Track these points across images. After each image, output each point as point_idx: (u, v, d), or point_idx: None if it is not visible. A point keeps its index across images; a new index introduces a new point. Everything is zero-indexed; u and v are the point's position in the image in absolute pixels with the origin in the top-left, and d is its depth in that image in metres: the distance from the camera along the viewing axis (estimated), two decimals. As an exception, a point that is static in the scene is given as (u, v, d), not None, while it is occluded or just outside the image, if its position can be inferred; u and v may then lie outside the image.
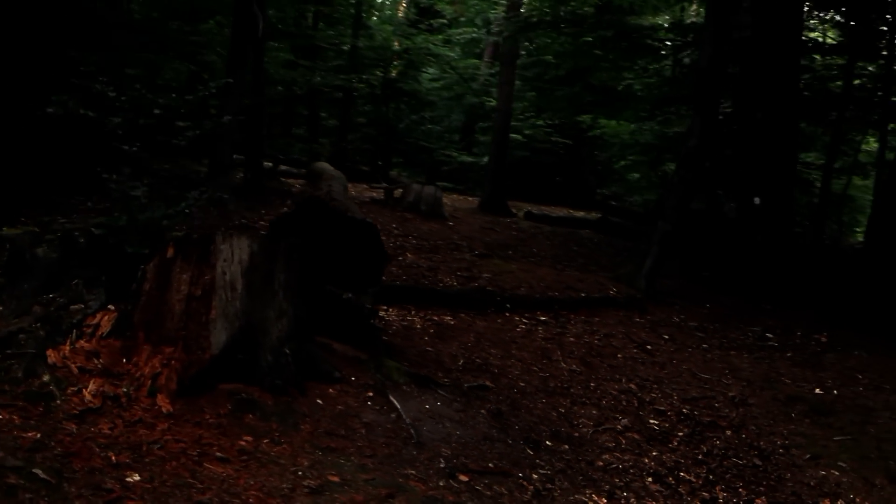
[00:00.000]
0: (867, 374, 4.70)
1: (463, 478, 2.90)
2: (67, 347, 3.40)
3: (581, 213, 11.57)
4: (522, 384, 4.10)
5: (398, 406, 3.41)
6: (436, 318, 5.00)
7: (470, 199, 11.98)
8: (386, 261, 4.75)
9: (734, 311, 6.23)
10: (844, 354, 5.14)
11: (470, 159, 13.07)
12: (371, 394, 3.50)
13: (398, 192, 9.85)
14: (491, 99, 12.90)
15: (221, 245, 3.36)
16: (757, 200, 6.86)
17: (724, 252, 7.10)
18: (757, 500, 3.20)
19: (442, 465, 2.95)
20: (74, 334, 3.48)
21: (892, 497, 3.29)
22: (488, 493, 2.84)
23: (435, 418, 3.41)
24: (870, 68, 9.07)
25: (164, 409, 3.08)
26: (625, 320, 5.56)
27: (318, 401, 3.36)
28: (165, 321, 3.46)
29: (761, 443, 3.73)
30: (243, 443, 2.87)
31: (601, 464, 3.34)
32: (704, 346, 5.28)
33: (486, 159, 11.82)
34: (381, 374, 3.80)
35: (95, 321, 3.57)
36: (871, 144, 10.92)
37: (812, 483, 3.40)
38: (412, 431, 3.19)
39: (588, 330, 5.20)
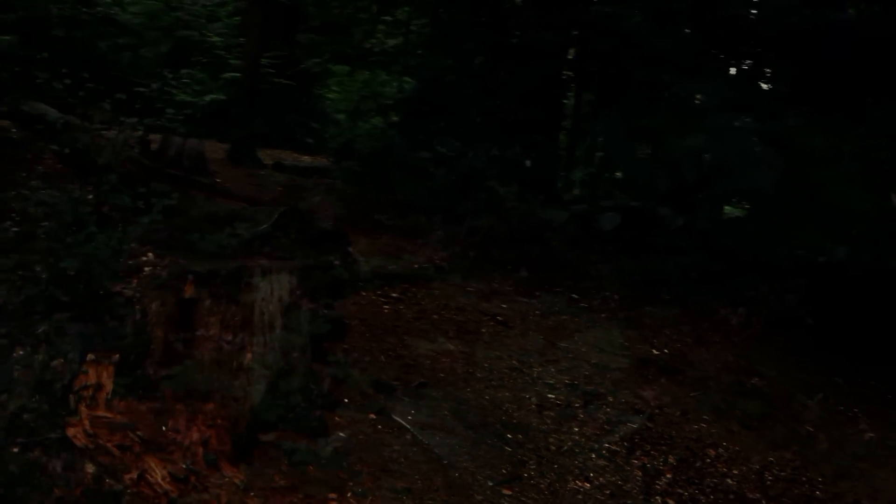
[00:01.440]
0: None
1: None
2: (86, 421, 3.21)
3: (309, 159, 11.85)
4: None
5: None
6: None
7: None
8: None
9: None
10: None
11: (189, 98, 12.47)
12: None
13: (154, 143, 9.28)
14: (212, 35, 12.39)
15: (260, 282, 3.35)
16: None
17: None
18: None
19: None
20: (75, 400, 3.27)
21: (749, 440, 4.47)
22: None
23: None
24: None
25: (236, 481, 3.14)
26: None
27: (341, 433, 3.64)
28: (192, 372, 3.40)
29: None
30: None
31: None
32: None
33: (208, 98, 11.46)
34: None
35: (91, 380, 3.37)
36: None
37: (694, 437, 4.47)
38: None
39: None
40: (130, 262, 7.19)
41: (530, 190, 7.43)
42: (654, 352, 5.24)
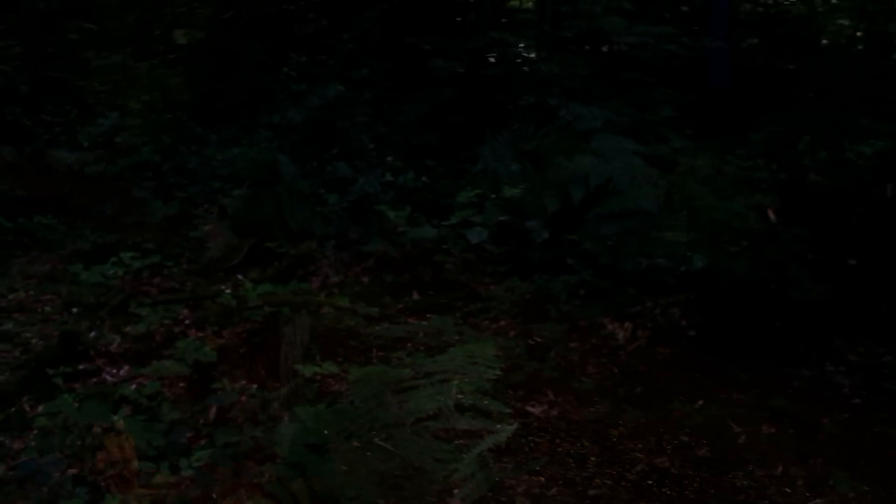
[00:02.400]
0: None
1: None
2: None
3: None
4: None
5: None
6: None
7: None
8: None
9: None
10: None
11: None
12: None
13: None
14: None
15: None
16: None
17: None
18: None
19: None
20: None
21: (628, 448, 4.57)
22: None
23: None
24: None
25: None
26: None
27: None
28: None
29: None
30: None
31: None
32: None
33: None
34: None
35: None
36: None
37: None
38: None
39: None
40: (11, 296, 6.94)
41: (424, 214, 7.48)
42: (542, 367, 5.31)
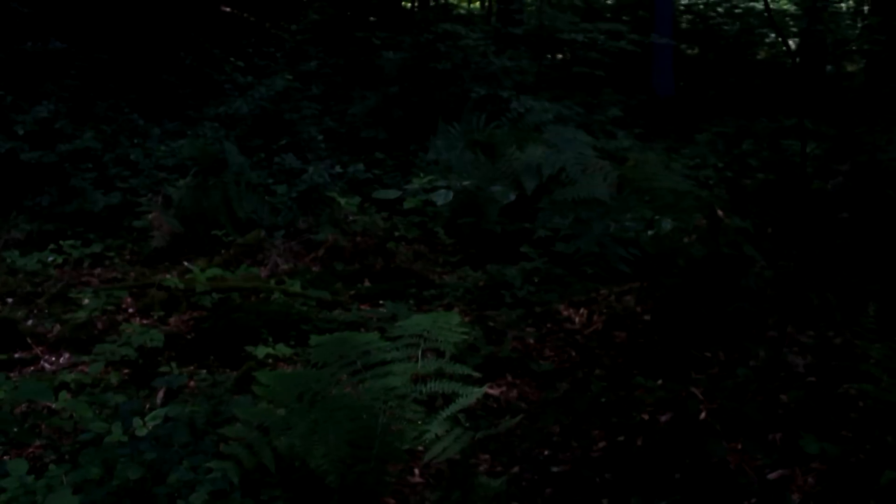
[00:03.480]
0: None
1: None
2: None
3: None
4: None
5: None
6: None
7: None
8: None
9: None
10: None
11: None
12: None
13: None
14: None
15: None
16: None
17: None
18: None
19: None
20: None
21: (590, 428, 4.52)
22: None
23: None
24: None
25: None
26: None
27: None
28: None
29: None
30: None
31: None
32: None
33: None
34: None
35: None
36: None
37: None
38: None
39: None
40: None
41: (374, 206, 7.38)
42: (499, 350, 5.24)
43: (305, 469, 2.36)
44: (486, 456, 4.10)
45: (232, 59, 9.26)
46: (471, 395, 2.79)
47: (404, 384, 2.75)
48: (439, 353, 2.93)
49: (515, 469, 4.01)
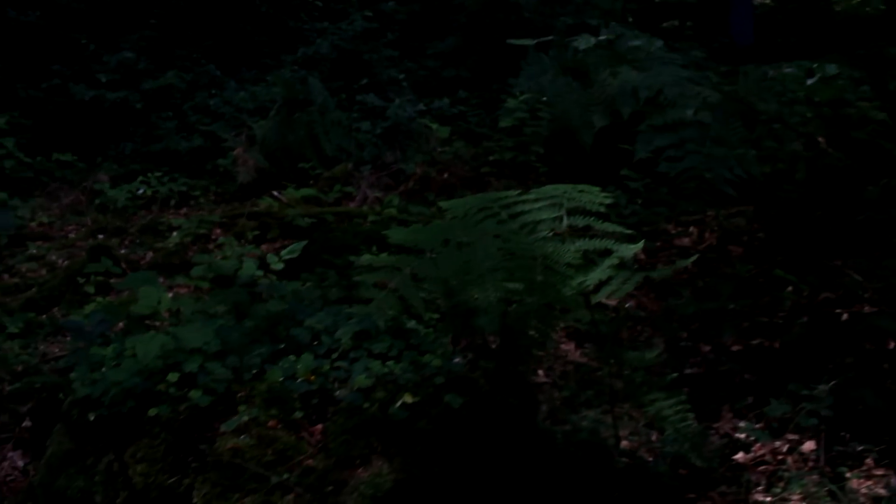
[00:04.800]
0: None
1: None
2: None
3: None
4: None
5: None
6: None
7: None
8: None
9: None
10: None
11: None
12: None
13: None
14: None
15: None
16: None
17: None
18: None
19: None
20: None
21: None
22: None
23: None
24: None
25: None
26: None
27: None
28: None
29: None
30: None
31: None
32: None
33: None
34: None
35: None
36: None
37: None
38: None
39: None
40: (33, 223, 6.58)
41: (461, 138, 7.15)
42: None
43: (453, 312, 2.15)
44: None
45: (308, 3, 9.08)
46: (629, 250, 2.51)
47: (555, 237, 2.50)
48: (585, 213, 2.66)
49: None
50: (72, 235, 6.33)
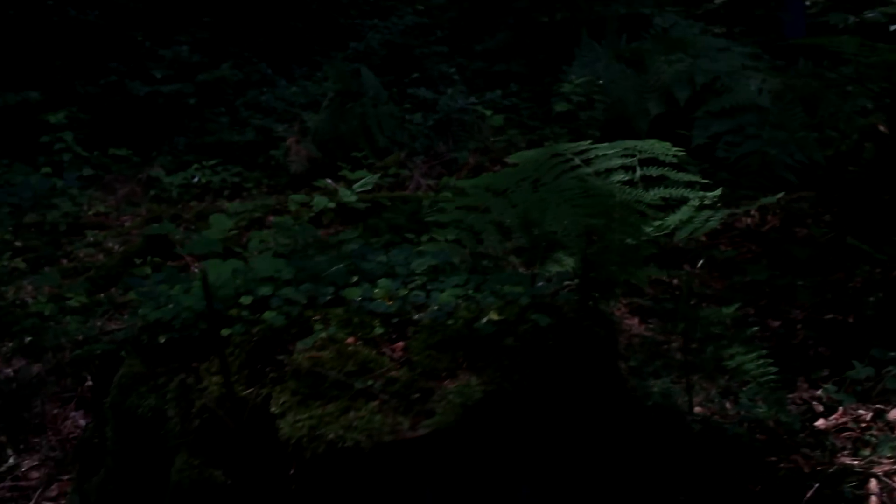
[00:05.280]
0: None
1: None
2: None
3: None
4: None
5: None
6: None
7: None
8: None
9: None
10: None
11: None
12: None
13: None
14: None
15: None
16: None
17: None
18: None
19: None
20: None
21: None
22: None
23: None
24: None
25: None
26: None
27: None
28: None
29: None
30: None
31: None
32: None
33: None
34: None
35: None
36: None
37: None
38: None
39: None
40: (91, 212, 6.67)
41: (515, 127, 7.08)
42: (670, 243, 4.83)
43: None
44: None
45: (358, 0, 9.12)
46: (706, 199, 2.43)
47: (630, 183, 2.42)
48: (659, 163, 2.57)
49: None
50: (127, 224, 6.39)
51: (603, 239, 2.11)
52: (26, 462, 2.72)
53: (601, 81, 6.52)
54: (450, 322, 1.88)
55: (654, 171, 2.63)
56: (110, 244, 5.95)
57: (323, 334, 1.84)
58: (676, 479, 2.16)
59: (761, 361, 2.42)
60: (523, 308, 1.91)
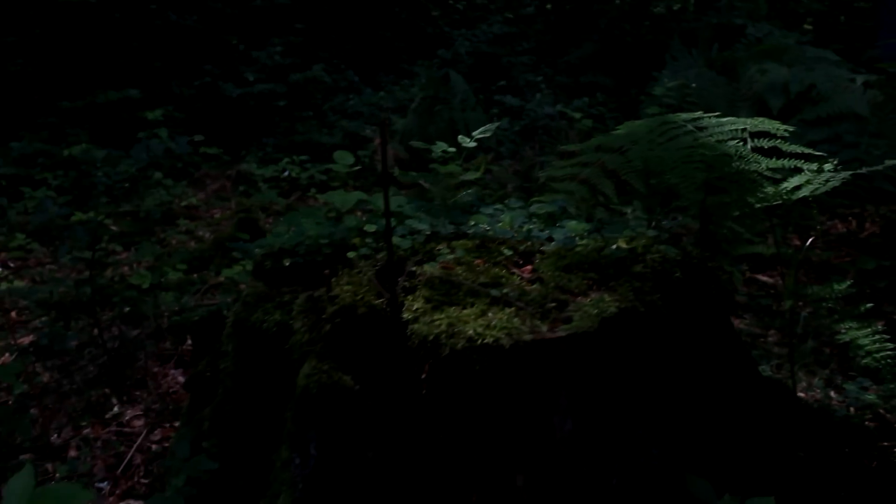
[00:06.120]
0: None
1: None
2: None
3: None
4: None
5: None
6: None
7: None
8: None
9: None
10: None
11: None
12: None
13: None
14: None
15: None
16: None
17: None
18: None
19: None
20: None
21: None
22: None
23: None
24: None
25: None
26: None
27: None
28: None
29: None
30: None
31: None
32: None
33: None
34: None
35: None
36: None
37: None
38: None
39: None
40: (183, 203, 6.85)
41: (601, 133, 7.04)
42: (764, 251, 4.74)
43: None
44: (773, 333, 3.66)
45: (447, 10, 9.24)
46: (827, 161, 2.38)
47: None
48: (770, 136, 2.53)
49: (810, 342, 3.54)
50: (217, 216, 6.55)
51: (720, 194, 2.08)
52: (129, 412, 2.79)
53: (694, 84, 6.43)
54: (578, 248, 1.88)
55: (765, 143, 2.59)
56: (201, 232, 6.11)
57: (450, 256, 1.86)
58: (789, 444, 2.10)
59: (877, 337, 2.34)
60: (652, 239, 1.90)
